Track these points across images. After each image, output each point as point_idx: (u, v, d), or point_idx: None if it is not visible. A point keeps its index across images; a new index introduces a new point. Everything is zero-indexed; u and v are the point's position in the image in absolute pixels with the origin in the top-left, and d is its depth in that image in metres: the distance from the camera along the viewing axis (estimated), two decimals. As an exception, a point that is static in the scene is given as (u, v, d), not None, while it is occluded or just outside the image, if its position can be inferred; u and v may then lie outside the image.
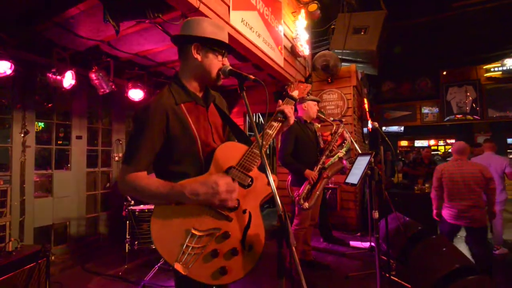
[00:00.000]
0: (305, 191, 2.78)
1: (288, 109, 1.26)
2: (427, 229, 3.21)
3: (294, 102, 1.32)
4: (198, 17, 1.25)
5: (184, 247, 1.02)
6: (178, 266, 1.00)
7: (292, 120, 1.27)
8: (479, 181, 2.93)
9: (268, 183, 1.15)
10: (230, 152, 1.18)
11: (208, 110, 1.27)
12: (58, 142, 3.90)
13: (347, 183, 2.47)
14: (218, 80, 1.24)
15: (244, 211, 1.13)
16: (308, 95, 2.44)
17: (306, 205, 2.74)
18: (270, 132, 1.23)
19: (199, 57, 1.19)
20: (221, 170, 1.15)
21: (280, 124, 1.26)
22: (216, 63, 1.21)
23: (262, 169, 1.13)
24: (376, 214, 2.23)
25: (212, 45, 1.19)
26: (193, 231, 1.04)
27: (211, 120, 1.26)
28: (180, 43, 1.24)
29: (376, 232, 2.33)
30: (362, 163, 2.32)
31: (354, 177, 2.39)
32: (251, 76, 1.15)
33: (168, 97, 1.17)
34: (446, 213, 3.11)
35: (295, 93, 1.36)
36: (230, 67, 1.21)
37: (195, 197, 1.04)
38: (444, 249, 2.51)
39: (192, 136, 1.16)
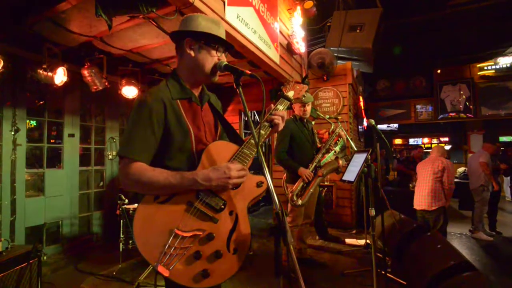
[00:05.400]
0: (298, 188, 2.78)
1: (276, 117, 1.21)
2: (422, 226, 3.23)
3: (288, 103, 1.30)
4: (196, 13, 1.23)
5: (166, 248, 0.99)
6: (159, 267, 0.97)
7: (280, 126, 1.23)
8: (437, 168, 3.66)
9: (259, 185, 1.15)
10: (220, 151, 1.17)
11: (202, 108, 1.26)
12: (51, 140, 3.83)
13: (344, 181, 2.47)
14: (213, 76, 1.22)
15: (231, 213, 1.10)
16: (304, 96, 2.42)
17: (299, 202, 2.74)
18: (263, 132, 1.21)
19: (192, 52, 1.18)
20: None
21: (270, 129, 1.23)
22: (210, 58, 1.18)
23: (258, 167, 1.11)
24: (372, 212, 2.23)
25: (205, 39, 1.17)
26: (177, 231, 1.01)
27: (205, 119, 1.25)
28: (176, 40, 1.23)
29: (372, 229, 2.33)
30: (358, 160, 2.32)
31: (350, 174, 2.38)
32: (247, 71, 1.13)
33: (165, 91, 1.16)
34: None
35: (290, 94, 1.34)
36: (226, 62, 1.19)
37: (208, 183, 1.05)
38: (439, 246, 2.52)
39: (187, 131, 1.15)
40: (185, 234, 1.01)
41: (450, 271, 2.09)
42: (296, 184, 2.78)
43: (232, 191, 1.12)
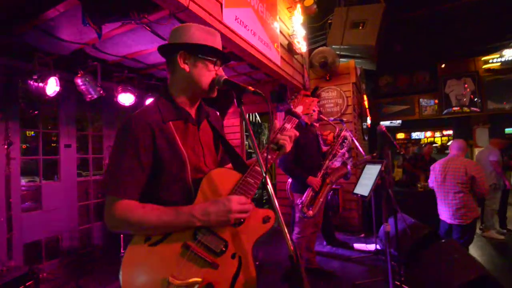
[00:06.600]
0: (308, 199, 2.64)
1: (283, 138, 1.06)
2: (435, 231, 3.10)
3: (297, 120, 1.15)
4: (187, 23, 1.09)
5: None
6: None
7: (288, 147, 1.07)
8: (462, 178, 3.03)
9: (266, 220, 1.01)
10: (220, 181, 1.02)
11: (199, 128, 1.11)
12: (52, 145, 3.71)
13: (356, 194, 2.32)
14: (211, 92, 1.09)
15: (233, 256, 0.95)
16: (314, 111, 2.26)
17: (311, 213, 2.60)
18: (269, 157, 1.06)
19: (186, 67, 1.03)
20: None
21: (277, 152, 1.08)
22: (207, 73, 1.05)
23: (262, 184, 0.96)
24: (388, 227, 2.09)
25: (201, 52, 1.03)
26: (171, 280, 0.87)
27: (203, 140, 1.11)
28: (167, 54, 1.08)
29: (386, 240, 2.20)
30: (371, 172, 2.17)
31: (364, 188, 2.23)
32: (250, 88, 1.00)
33: (154, 113, 1.01)
34: None
35: (299, 109, 1.19)
36: (226, 77, 1.05)
37: (206, 218, 0.93)
38: (456, 255, 2.38)
39: (182, 159, 1.01)
40: (180, 283, 0.88)
41: (472, 286, 1.95)
42: (306, 194, 2.63)
43: (234, 229, 0.98)
